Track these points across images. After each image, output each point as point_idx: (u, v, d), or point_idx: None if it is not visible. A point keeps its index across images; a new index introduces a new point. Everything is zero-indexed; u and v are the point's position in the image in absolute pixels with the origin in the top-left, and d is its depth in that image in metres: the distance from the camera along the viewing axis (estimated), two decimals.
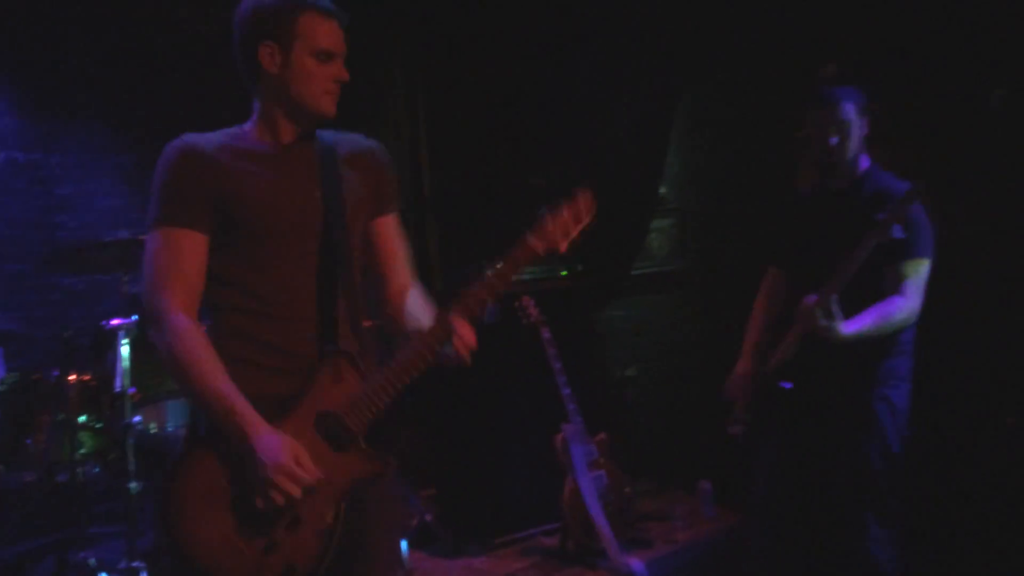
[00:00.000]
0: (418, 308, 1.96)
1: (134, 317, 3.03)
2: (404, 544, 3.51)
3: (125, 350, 2.99)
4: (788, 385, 2.69)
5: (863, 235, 2.47)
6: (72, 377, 3.22)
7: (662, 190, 5.00)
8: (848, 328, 2.49)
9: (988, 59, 3.41)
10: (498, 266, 1.91)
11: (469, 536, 3.92)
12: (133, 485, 2.99)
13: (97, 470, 3.31)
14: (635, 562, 3.47)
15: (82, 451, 3.20)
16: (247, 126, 1.93)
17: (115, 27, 4.66)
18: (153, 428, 3.29)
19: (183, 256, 1.81)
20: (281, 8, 1.85)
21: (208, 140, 1.88)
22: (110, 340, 3.04)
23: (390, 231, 2.05)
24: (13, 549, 3.51)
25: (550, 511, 3.74)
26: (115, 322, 2.99)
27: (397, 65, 5.34)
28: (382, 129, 5.37)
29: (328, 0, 1.90)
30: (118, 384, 2.93)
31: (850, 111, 2.68)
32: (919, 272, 2.60)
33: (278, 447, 1.72)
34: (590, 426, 3.70)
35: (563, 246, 1.93)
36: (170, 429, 3.38)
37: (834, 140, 2.69)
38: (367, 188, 1.98)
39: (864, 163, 2.77)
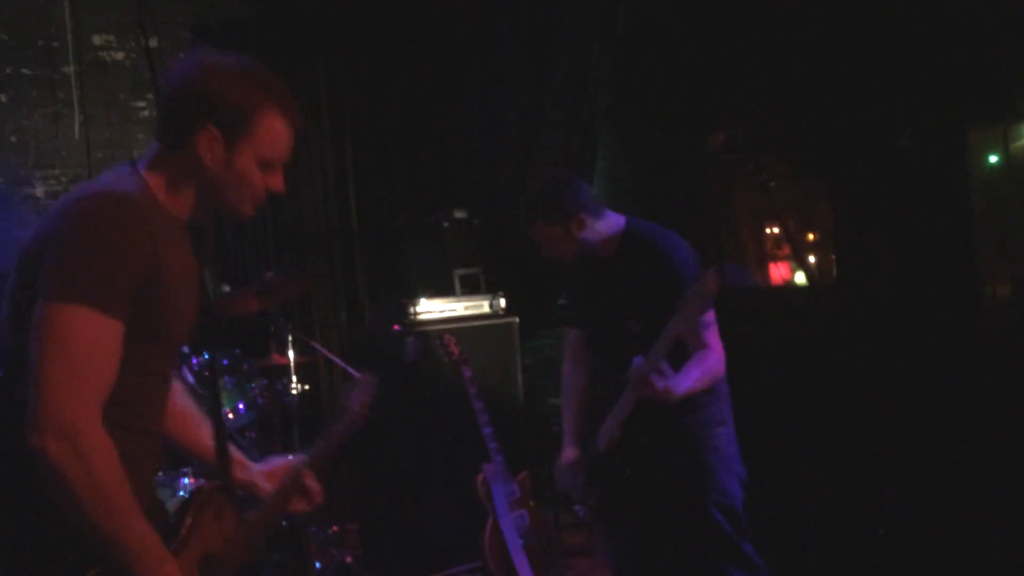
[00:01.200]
0: (199, 418, 1.87)
1: None
2: None
3: None
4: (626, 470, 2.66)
5: (681, 309, 2.36)
6: None
7: None
8: (682, 387, 2.43)
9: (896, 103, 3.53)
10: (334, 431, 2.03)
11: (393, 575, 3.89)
12: None
13: None
14: None
15: None
16: (149, 180, 1.59)
17: (23, 57, 4.54)
18: None
19: (110, 355, 1.48)
20: (245, 95, 1.57)
21: (139, 202, 1.54)
22: None
23: None
24: None
25: (473, 549, 3.72)
26: None
27: (323, 94, 5.29)
28: (308, 160, 5.32)
29: (293, 97, 1.64)
30: None
31: (549, 229, 2.62)
32: (712, 320, 2.59)
33: None
34: (513, 463, 3.70)
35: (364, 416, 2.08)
36: None
37: (552, 253, 2.69)
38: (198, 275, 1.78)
39: (614, 229, 2.69)
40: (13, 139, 4.56)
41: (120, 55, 4.78)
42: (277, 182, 1.65)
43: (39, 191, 4.59)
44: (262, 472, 1.95)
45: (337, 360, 3.81)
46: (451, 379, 3.77)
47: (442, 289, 4.20)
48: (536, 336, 5.02)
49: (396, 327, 3.84)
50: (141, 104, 4.83)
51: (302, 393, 3.78)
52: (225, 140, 1.56)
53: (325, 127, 5.29)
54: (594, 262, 2.71)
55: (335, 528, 4.29)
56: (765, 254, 4.55)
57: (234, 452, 1.90)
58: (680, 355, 2.52)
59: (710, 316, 2.56)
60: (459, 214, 4.54)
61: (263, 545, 1.92)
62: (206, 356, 3.45)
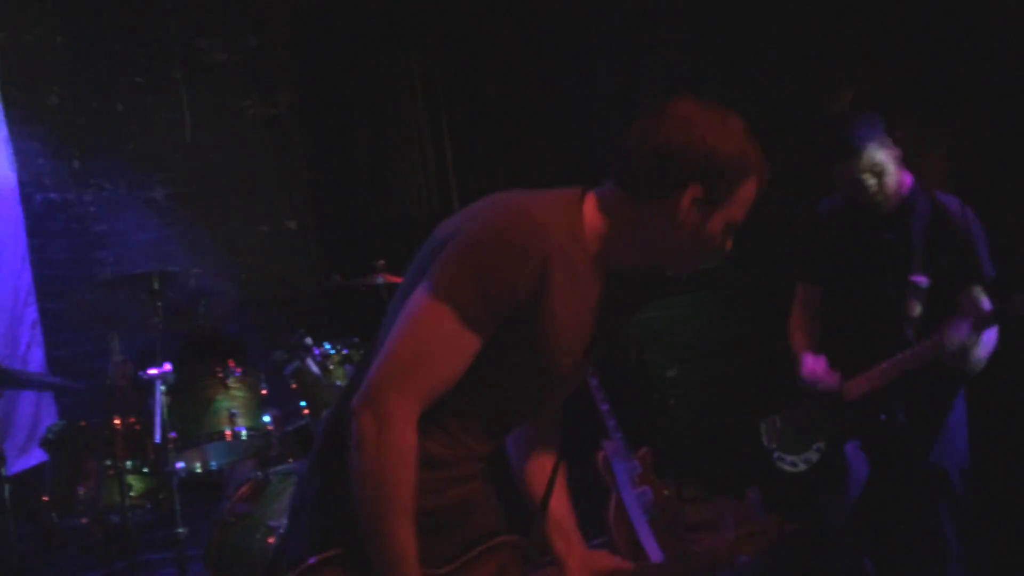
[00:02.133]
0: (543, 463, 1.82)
1: (166, 365, 3.06)
2: None
3: (162, 399, 3.03)
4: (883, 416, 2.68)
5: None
6: (117, 422, 3.27)
7: None
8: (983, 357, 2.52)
9: None
10: None
11: None
12: (181, 530, 3.05)
13: (149, 507, 3.36)
14: None
15: (132, 494, 3.25)
16: (586, 211, 1.52)
17: (133, 66, 4.71)
18: (198, 468, 3.34)
19: (454, 365, 1.45)
20: (738, 162, 1.48)
21: (553, 235, 1.46)
22: (149, 387, 3.08)
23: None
24: None
25: (594, 527, 3.72)
26: (152, 371, 3.03)
27: (417, 83, 5.32)
28: (406, 145, 5.38)
29: (766, 159, 1.54)
30: (158, 436, 2.97)
31: (876, 152, 2.60)
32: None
33: None
34: (632, 440, 3.67)
35: None
36: (213, 467, 3.42)
37: (872, 185, 2.63)
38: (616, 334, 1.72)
39: (907, 182, 2.71)
40: (131, 146, 4.75)
41: (223, 56, 4.91)
42: (728, 243, 1.56)
43: (158, 194, 4.78)
44: (583, 560, 1.78)
45: None
46: None
47: None
48: (644, 309, 4.95)
49: None
50: (247, 103, 4.97)
51: None
52: (706, 203, 1.48)
53: (422, 115, 5.33)
54: (869, 220, 2.70)
55: None
56: None
57: (568, 522, 1.82)
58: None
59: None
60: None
61: None
62: (328, 347, 3.54)
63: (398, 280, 4.00)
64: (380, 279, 3.84)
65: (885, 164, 2.60)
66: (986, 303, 2.46)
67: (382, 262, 3.75)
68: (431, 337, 1.43)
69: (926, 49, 3.52)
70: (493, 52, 5.22)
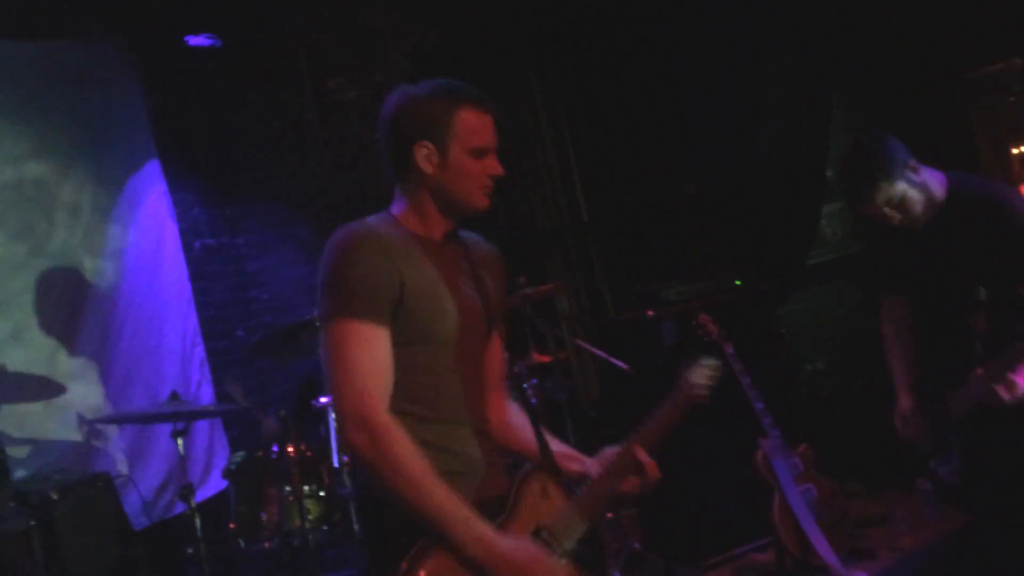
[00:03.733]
0: (527, 424, 2.01)
1: None
2: (616, 574, 3.54)
3: (335, 424, 3.19)
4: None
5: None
6: (291, 450, 3.45)
7: (829, 174, 4.81)
8: None
9: None
10: (657, 417, 2.01)
11: (679, 559, 3.90)
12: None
13: (326, 529, 3.52)
14: (861, 575, 3.35)
15: (310, 517, 3.43)
16: (396, 212, 1.91)
17: (271, 114, 4.96)
18: None
19: (381, 355, 1.74)
20: (437, 107, 1.84)
21: (378, 228, 1.84)
22: (320, 416, 3.24)
23: (499, 343, 2.03)
24: None
25: (758, 527, 3.67)
26: (323, 400, 3.19)
27: (537, 93, 5.40)
28: (530, 159, 5.45)
29: (478, 91, 1.89)
30: (335, 460, 3.13)
31: (888, 188, 2.48)
32: None
33: (527, 551, 1.71)
34: (789, 436, 3.60)
35: (705, 396, 2.05)
36: None
37: (895, 217, 2.53)
38: (499, 295, 2.01)
39: (939, 186, 2.56)
40: (274, 188, 5.00)
41: (352, 94, 5.12)
42: (494, 166, 1.89)
43: (304, 232, 5.02)
44: (595, 461, 2.01)
45: (601, 353, 3.87)
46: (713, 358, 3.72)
47: (685, 268, 4.15)
48: (786, 303, 4.85)
49: (649, 312, 3.84)
50: (377, 136, 5.16)
51: (571, 389, 3.88)
52: (436, 148, 1.83)
53: (544, 126, 5.40)
54: (919, 232, 2.59)
55: (610, 515, 4.38)
56: (1012, 176, 4.19)
57: (563, 446, 2.06)
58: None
59: None
60: (690, 190, 4.48)
61: (599, 520, 1.93)
62: None
63: (544, 290, 4.08)
64: (527, 291, 3.93)
65: (904, 193, 2.48)
66: None
67: (523, 278, 3.82)
68: (346, 349, 1.72)
69: None
70: (609, 60, 5.25)
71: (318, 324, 1.77)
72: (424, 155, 1.84)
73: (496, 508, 1.80)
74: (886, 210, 2.54)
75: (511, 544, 1.70)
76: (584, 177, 5.36)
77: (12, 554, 3.11)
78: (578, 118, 5.37)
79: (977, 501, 2.84)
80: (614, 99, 5.26)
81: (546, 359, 4.02)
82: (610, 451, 2.01)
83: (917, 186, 2.52)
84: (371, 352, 1.73)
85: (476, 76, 5.37)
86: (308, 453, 3.48)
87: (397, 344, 1.77)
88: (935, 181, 2.57)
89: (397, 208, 1.92)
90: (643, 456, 1.95)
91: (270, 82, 4.91)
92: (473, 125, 1.86)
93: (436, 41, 5.14)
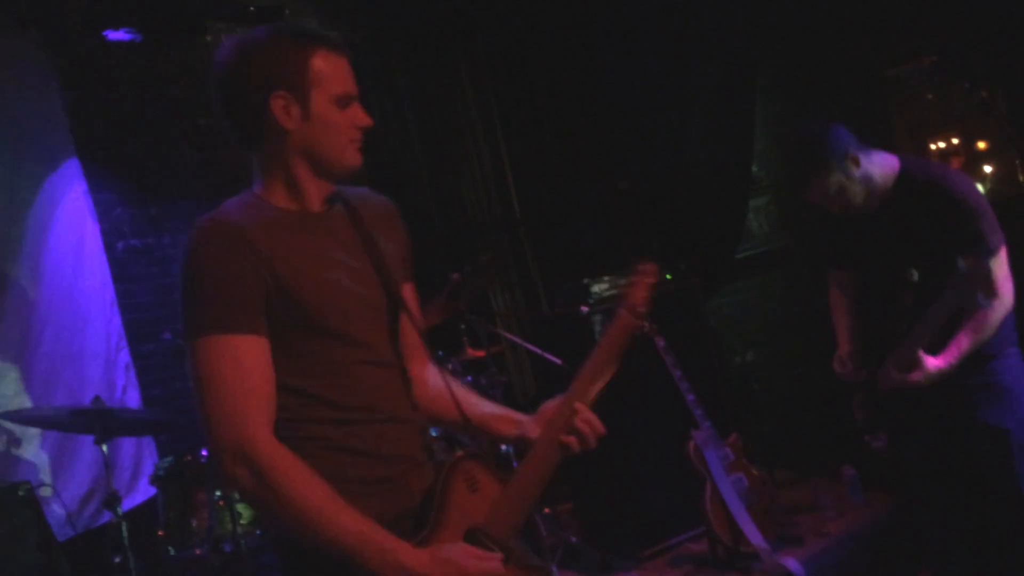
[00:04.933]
0: (466, 390, 1.85)
1: None
2: (553, 568, 3.56)
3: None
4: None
5: (944, 294, 2.32)
6: None
7: (754, 168, 4.91)
8: (943, 363, 2.42)
9: None
10: (601, 345, 1.79)
11: (615, 551, 3.95)
12: None
13: (259, 534, 3.45)
14: (790, 561, 3.43)
15: (242, 522, 3.36)
16: (257, 191, 1.63)
17: (196, 110, 4.84)
18: None
19: (254, 370, 1.49)
20: (288, 51, 1.57)
21: (234, 215, 1.57)
22: None
23: (413, 299, 1.78)
24: None
25: (692, 517, 3.73)
26: None
27: (468, 85, 5.38)
28: (461, 153, 5.44)
29: (333, 32, 1.64)
30: None
31: (823, 181, 2.53)
32: (1000, 262, 2.46)
33: (445, 558, 1.49)
34: (720, 427, 3.67)
35: (647, 312, 1.84)
36: None
37: (838, 205, 2.60)
38: (399, 251, 1.76)
39: (888, 171, 2.59)
40: (200, 187, 4.89)
41: None
42: (361, 116, 1.64)
43: None
44: (533, 421, 1.78)
45: (534, 348, 3.89)
46: (644, 351, 3.77)
47: (616, 263, 4.19)
48: (715, 297, 4.94)
49: (584, 308, 3.87)
50: None
51: (506, 385, 3.89)
52: (295, 98, 1.57)
53: (475, 120, 5.39)
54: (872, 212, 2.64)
55: (547, 510, 4.41)
56: None
57: (497, 408, 1.85)
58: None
59: (996, 261, 2.43)
60: (622, 186, 4.52)
61: (538, 501, 1.72)
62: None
63: (476, 285, 4.08)
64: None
65: (840, 185, 2.53)
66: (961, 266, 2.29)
67: (456, 275, 3.81)
68: (215, 370, 1.47)
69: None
70: (540, 54, 5.26)
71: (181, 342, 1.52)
72: (282, 107, 1.56)
73: (424, 514, 1.60)
74: (823, 200, 2.60)
75: (434, 567, 1.48)
76: (516, 172, 5.37)
77: None
78: (509, 112, 5.38)
79: (902, 479, 2.92)
80: (546, 94, 5.29)
81: (480, 354, 4.03)
82: (547, 407, 1.78)
83: (856, 179, 2.55)
84: (243, 369, 1.47)
85: (407, 71, 5.37)
86: None
87: (286, 341, 1.53)
88: (883, 167, 2.59)
89: (258, 184, 1.64)
90: (584, 410, 1.72)
91: (192, 77, 4.80)
92: (332, 69, 1.59)
93: (365, 37, 5.09)
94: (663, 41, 4.62)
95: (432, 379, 1.84)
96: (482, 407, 1.84)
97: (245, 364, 1.48)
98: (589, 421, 1.73)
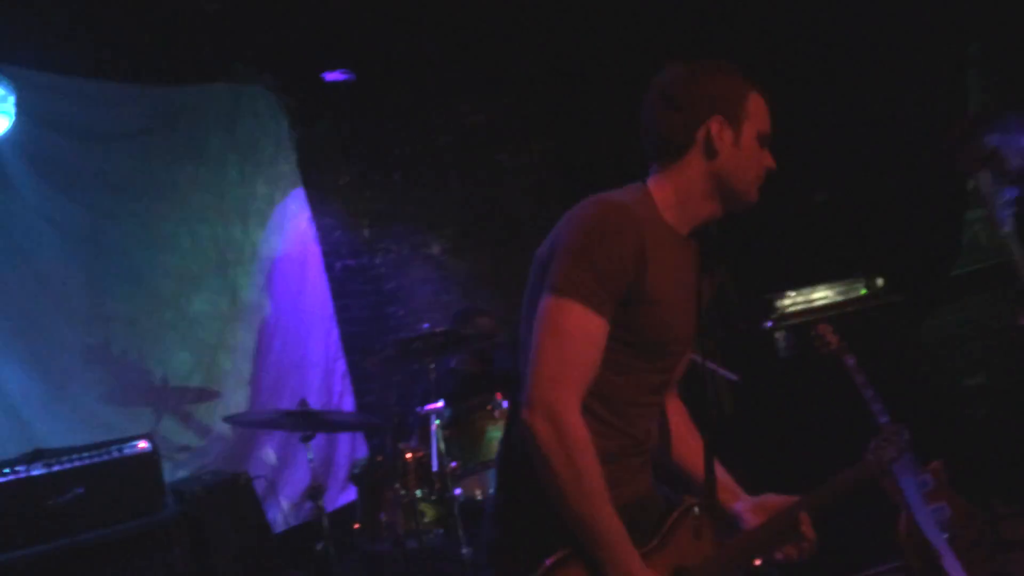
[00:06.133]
0: (696, 446, 1.90)
1: (440, 402, 3.37)
2: None
3: (439, 432, 3.33)
4: None
5: None
6: (408, 456, 3.62)
7: (970, 184, 4.49)
8: None
9: None
10: (842, 475, 1.94)
11: None
12: (464, 551, 3.31)
13: (441, 532, 3.65)
14: None
15: (425, 520, 3.58)
16: (654, 191, 1.72)
17: (406, 139, 5.23)
18: (478, 495, 3.59)
19: (594, 349, 1.60)
20: (733, 84, 1.72)
21: (634, 208, 1.65)
22: (427, 423, 3.40)
23: (690, 347, 1.86)
24: None
25: (887, 548, 3.46)
26: (428, 407, 3.35)
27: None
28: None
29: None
30: (435, 464, 3.27)
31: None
32: None
33: None
34: (922, 453, 3.39)
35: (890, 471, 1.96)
36: (492, 493, 3.66)
37: None
38: (709, 300, 1.86)
39: None
40: (410, 209, 5.28)
41: (480, 117, 5.33)
42: (770, 159, 1.75)
43: (435, 250, 5.27)
44: (753, 504, 1.87)
45: (713, 366, 3.81)
46: (833, 371, 3.58)
47: (808, 277, 4.00)
48: (935, 315, 4.55)
49: (767, 323, 3.75)
50: (502, 156, 5.33)
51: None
52: (731, 125, 1.69)
53: None
54: None
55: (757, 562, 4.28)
56: None
57: (726, 478, 1.92)
58: None
59: None
60: (820, 197, 4.31)
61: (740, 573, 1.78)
62: None
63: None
64: None
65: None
66: None
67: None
68: (566, 331, 1.58)
69: None
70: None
71: (543, 287, 1.61)
72: (718, 130, 1.68)
73: (653, 531, 1.70)
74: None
75: None
76: None
77: (164, 540, 3.47)
78: None
79: None
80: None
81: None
82: (770, 500, 1.87)
83: None
84: (588, 343, 1.59)
85: (588, 89, 5.46)
86: (424, 459, 3.63)
87: (613, 340, 1.63)
88: None
89: (657, 187, 1.72)
90: (807, 529, 1.80)
91: (403, 110, 5.20)
92: (763, 109, 1.73)
93: (552, 59, 5.23)
94: (862, 43, 4.37)
95: (683, 422, 1.96)
96: (719, 471, 1.90)
97: (591, 340, 1.59)
98: (808, 536, 1.83)
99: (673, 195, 1.70)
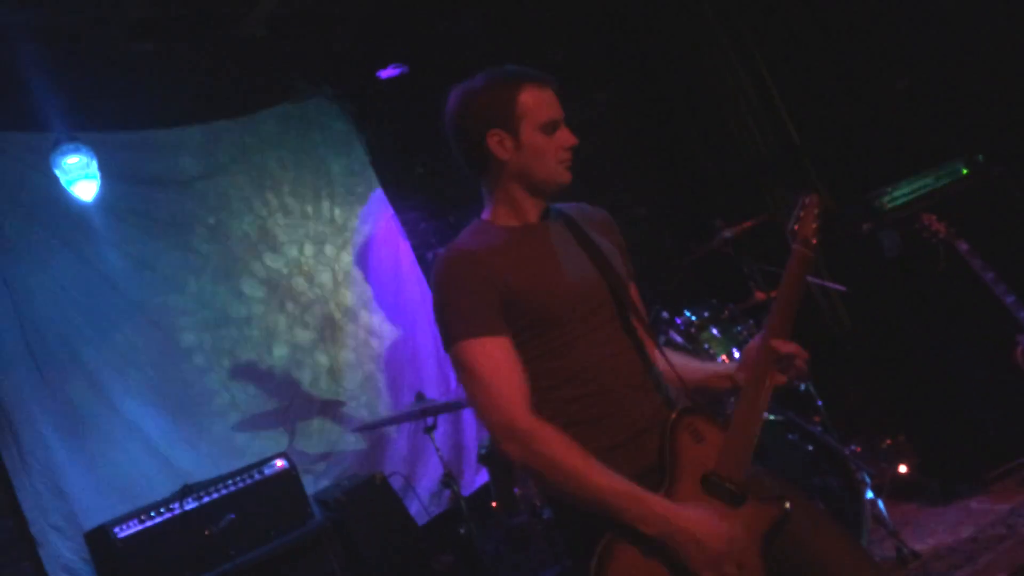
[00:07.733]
0: (683, 358, 2.01)
1: None
2: (881, 504, 3.35)
3: None
4: None
5: None
6: None
7: None
8: None
9: None
10: (784, 283, 1.89)
11: (957, 477, 3.61)
12: None
13: None
14: None
15: None
16: (485, 216, 1.94)
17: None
18: None
19: (506, 363, 1.76)
20: (497, 93, 1.85)
21: (467, 243, 1.87)
22: None
23: (637, 298, 1.99)
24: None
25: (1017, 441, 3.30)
26: None
27: (722, 30, 5.20)
28: (724, 93, 5.26)
29: (535, 69, 1.89)
30: None
31: None
32: None
33: (708, 523, 1.66)
34: None
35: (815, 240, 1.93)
36: None
37: None
38: (619, 253, 1.99)
39: None
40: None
41: None
42: (566, 137, 1.88)
43: None
44: (739, 368, 1.91)
45: (815, 279, 3.69)
46: (946, 261, 3.40)
47: (904, 170, 3.79)
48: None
49: (865, 225, 3.59)
50: (568, 113, 5.27)
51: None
52: (508, 133, 1.85)
53: (735, 65, 5.19)
54: None
55: (888, 441, 4.16)
56: None
57: (712, 365, 2.06)
58: None
59: None
60: (902, 84, 4.08)
61: (759, 426, 1.80)
62: (688, 314, 3.62)
63: (745, 227, 3.94)
64: (726, 234, 3.85)
65: None
66: None
67: (719, 221, 3.73)
68: (475, 369, 1.76)
69: None
70: None
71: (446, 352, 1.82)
72: (497, 142, 1.85)
73: (661, 469, 1.78)
74: None
75: (691, 514, 1.68)
76: (785, 97, 5.05)
77: (316, 551, 3.64)
78: (765, 31, 5.05)
79: None
80: (804, 21, 4.88)
81: (765, 296, 3.90)
82: (750, 348, 1.90)
83: None
84: (495, 362, 1.75)
85: (653, 35, 5.33)
86: None
87: (528, 335, 1.80)
88: None
89: (486, 211, 1.95)
90: (782, 346, 1.82)
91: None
92: (536, 101, 1.85)
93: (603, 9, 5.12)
94: None
95: (668, 353, 2.02)
96: (700, 372, 1.99)
97: (496, 359, 1.76)
98: (791, 352, 1.83)
99: (501, 203, 1.90)
